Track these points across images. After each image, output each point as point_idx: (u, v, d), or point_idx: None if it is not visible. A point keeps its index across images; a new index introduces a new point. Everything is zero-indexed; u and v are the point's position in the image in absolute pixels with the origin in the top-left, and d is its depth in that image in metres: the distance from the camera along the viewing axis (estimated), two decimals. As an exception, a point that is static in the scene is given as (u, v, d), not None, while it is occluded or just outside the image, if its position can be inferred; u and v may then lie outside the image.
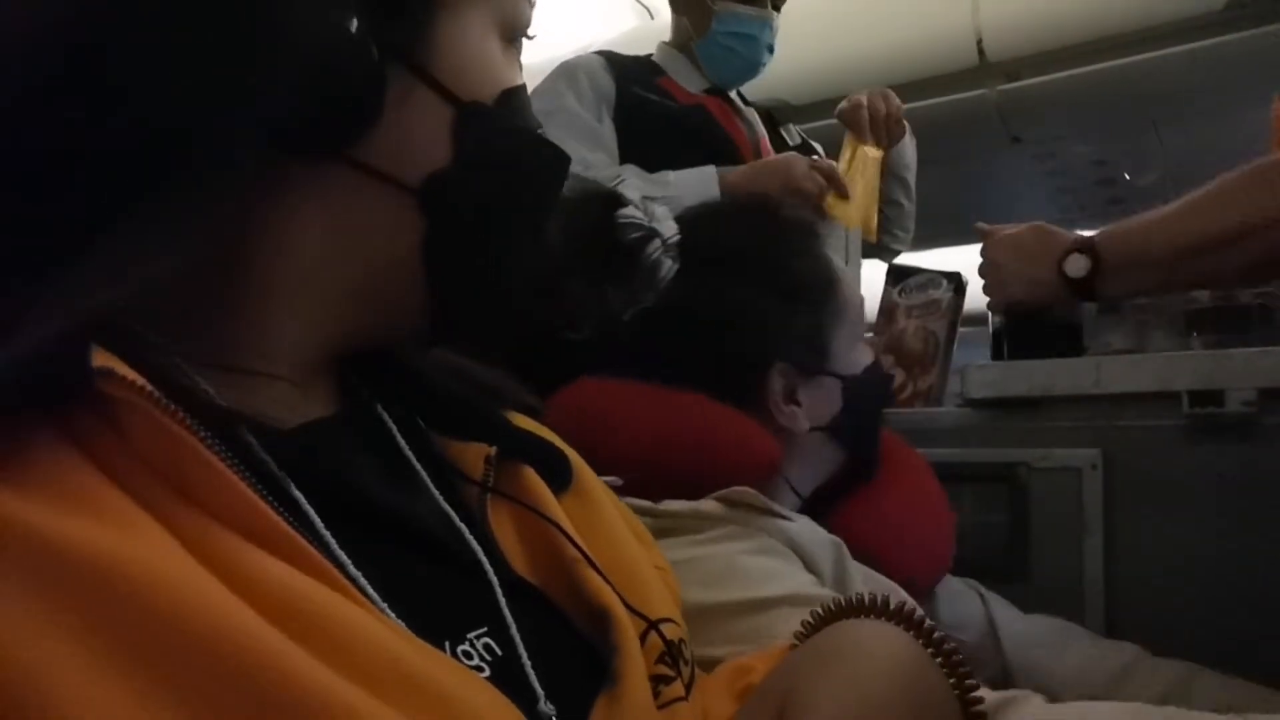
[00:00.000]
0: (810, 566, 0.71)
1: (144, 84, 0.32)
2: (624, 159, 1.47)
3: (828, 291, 0.88)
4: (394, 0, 0.38)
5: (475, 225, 0.42)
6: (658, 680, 0.44)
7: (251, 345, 0.39)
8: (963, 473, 1.15)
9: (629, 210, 0.85)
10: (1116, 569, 1.18)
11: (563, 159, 0.47)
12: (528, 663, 0.39)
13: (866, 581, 0.75)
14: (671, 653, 0.46)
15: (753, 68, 1.62)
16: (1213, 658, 1.10)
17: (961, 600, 0.98)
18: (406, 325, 0.44)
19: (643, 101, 1.54)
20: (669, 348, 0.83)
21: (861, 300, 0.93)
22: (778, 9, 1.61)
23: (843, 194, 1.43)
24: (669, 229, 0.85)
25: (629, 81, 1.56)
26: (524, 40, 0.46)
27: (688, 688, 0.46)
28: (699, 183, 1.35)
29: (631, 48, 1.80)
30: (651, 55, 1.69)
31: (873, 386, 0.91)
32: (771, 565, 0.68)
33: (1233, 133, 1.89)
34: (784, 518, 0.76)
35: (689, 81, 1.62)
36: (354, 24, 0.36)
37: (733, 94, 1.69)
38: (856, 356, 0.90)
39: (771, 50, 1.61)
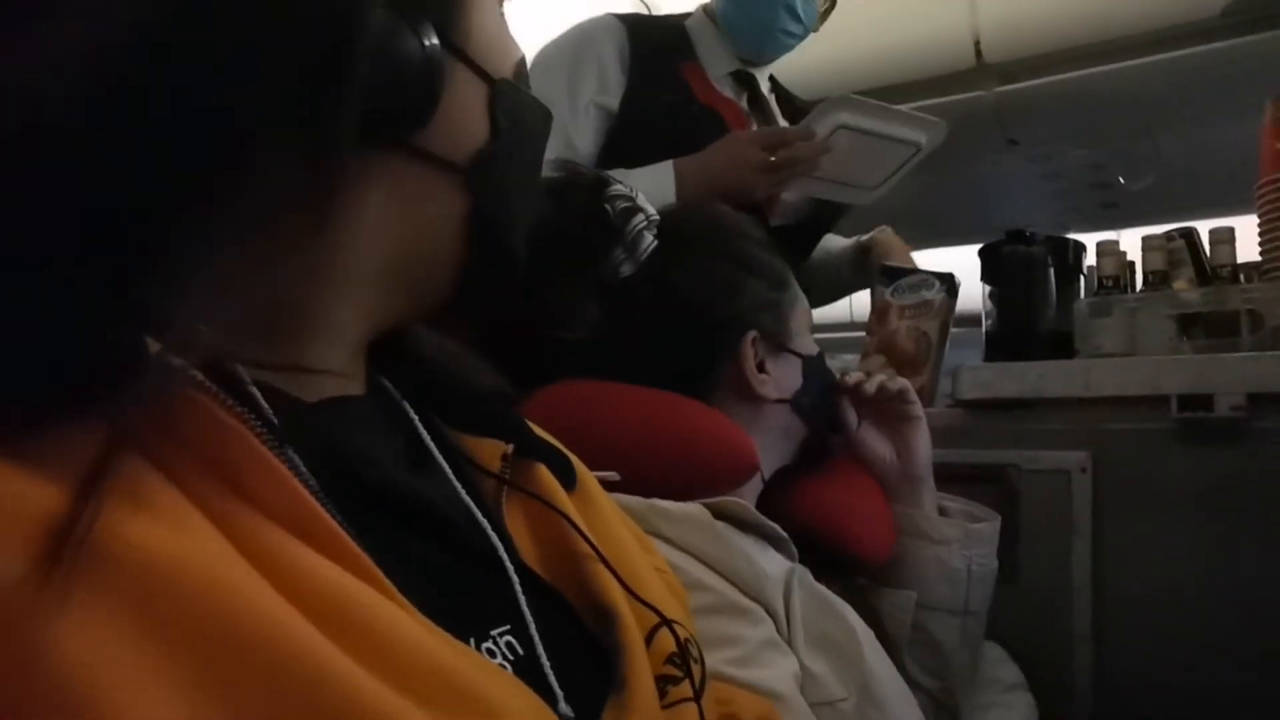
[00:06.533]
0: (753, 613, 0.72)
1: (224, 82, 0.31)
2: (631, 155, 1.35)
3: (786, 276, 0.95)
4: None
5: (509, 196, 0.44)
6: (665, 680, 0.44)
7: (309, 335, 0.39)
8: (953, 473, 1.16)
9: (618, 187, 0.89)
10: (1105, 571, 1.18)
11: (551, 120, 0.49)
12: (546, 663, 0.39)
13: (807, 612, 0.76)
14: (681, 653, 0.46)
15: (768, 31, 1.45)
16: (1198, 658, 1.11)
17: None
18: (436, 302, 0.45)
19: (655, 100, 1.41)
20: (648, 320, 0.87)
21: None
22: None
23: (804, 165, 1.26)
24: (650, 208, 0.89)
25: (647, 62, 1.42)
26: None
27: (699, 688, 0.46)
28: (656, 183, 1.26)
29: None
30: (689, 17, 1.53)
31: (825, 369, 0.98)
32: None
33: (1227, 138, 1.89)
34: (768, 531, 0.79)
35: (717, 60, 1.47)
36: (414, 16, 0.37)
37: (764, 85, 1.55)
38: (808, 341, 0.96)
39: (795, 15, 1.44)
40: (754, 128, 1.47)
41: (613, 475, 0.58)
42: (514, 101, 0.43)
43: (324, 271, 0.39)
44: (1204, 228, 1.37)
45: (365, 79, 0.34)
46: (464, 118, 0.41)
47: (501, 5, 0.45)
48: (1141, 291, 1.35)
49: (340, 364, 0.41)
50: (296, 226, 0.35)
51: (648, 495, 0.74)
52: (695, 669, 0.47)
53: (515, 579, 0.41)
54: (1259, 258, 1.29)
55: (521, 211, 0.45)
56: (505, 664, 0.37)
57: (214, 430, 0.30)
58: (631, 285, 0.87)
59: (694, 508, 0.75)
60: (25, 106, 0.27)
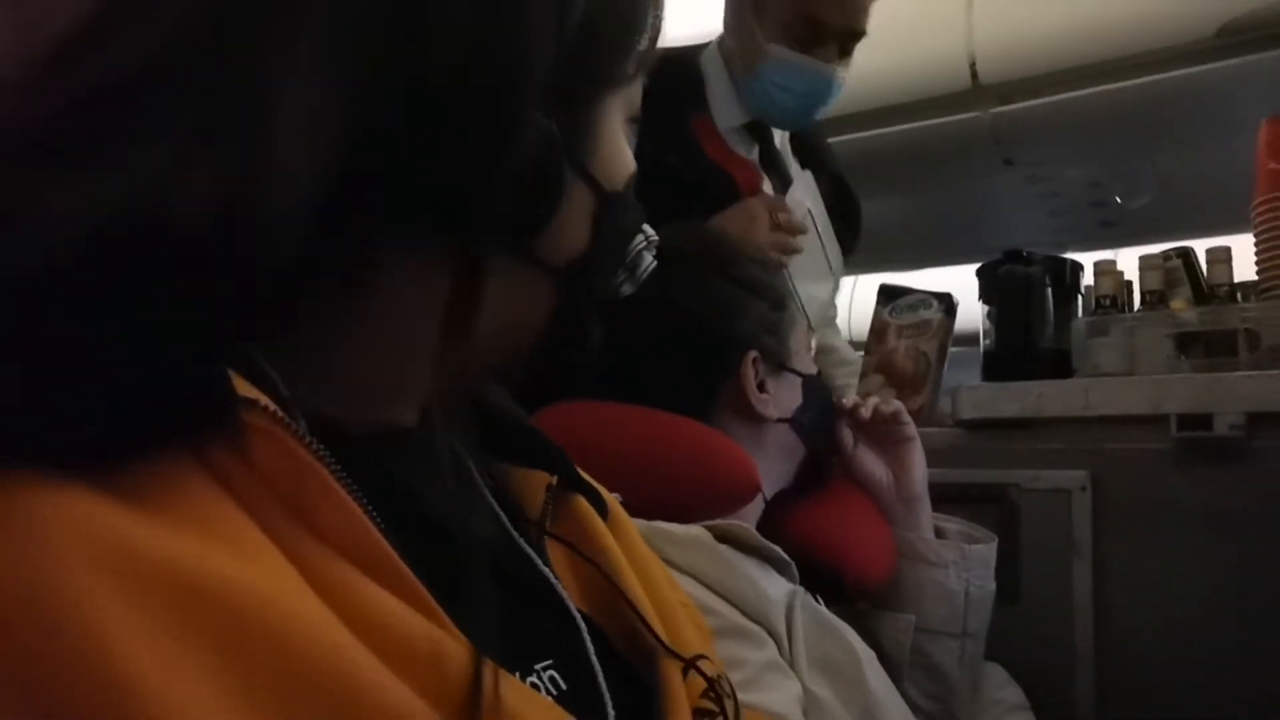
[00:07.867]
0: (757, 636, 0.72)
1: (399, 193, 0.34)
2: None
3: (785, 296, 0.97)
4: (567, 101, 0.39)
5: (597, 293, 0.47)
6: (702, 714, 0.45)
7: (388, 400, 0.41)
8: (953, 494, 1.16)
9: None
10: (1106, 590, 1.18)
11: (643, 218, 0.52)
12: (608, 698, 0.40)
13: (809, 635, 0.76)
14: (715, 689, 0.47)
15: (802, 118, 1.39)
16: (1200, 678, 1.10)
17: None
18: (501, 371, 0.47)
19: (662, 159, 1.27)
20: (649, 340, 0.87)
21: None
22: (847, 56, 1.35)
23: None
24: (650, 229, 0.91)
25: (656, 112, 1.34)
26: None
27: None
28: None
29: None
30: (704, 52, 1.44)
31: (823, 388, 0.99)
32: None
33: (1224, 157, 1.90)
34: (770, 554, 0.79)
35: (729, 111, 1.40)
36: (549, 131, 0.38)
37: (778, 136, 1.47)
38: (807, 359, 0.97)
39: (825, 106, 1.37)
40: (766, 185, 1.41)
41: (615, 497, 0.58)
42: (620, 210, 0.44)
43: (421, 350, 0.40)
44: (1201, 247, 1.37)
45: (507, 189, 0.36)
46: (571, 226, 0.42)
47: (630, 124, 0.47)
48: (1139, 311, 1.35)
49: (404, 419, 0.42)
50: (421, 315, 0.38)
51: (650, 517, 0.74)
52: (729, 704, 0.47)
53: (576, 614, 0.42)
54: (1256, 277, 1.30)
55: (602, 300, 0.48)
56: (549, 697, 0.38)
57: (289, 464, 0.30)
58: (632, 305, 0.88)
59: (697, 530, 0.75)
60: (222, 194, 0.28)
